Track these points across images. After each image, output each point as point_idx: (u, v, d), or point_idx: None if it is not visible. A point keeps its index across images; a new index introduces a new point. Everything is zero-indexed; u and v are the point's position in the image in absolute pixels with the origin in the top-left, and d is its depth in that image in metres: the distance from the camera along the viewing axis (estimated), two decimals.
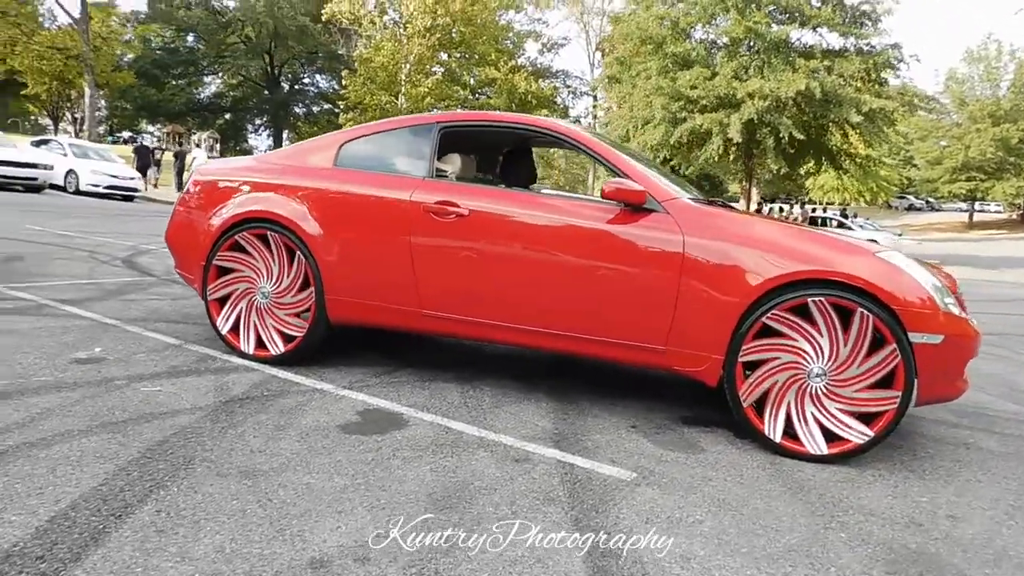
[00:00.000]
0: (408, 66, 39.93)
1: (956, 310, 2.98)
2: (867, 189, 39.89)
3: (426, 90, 39.98)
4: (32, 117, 56.52)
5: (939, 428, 3.69)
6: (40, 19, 41.30)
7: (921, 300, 2.88)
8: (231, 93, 62.83)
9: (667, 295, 3.11)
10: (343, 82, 40.80)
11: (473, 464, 2.65)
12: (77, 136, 38.05)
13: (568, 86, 53.07)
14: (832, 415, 2.97)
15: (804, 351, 2.98)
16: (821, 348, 2.96)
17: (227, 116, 64.18)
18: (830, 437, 2.97)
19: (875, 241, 25.17)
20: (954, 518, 2.54)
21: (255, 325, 3.75)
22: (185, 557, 1.84)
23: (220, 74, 60.97)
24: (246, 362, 3.70)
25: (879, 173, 37.54)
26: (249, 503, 2.17)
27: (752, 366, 3.06)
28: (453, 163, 3.71)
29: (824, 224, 26.47)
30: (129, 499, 2.11)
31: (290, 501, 2.21)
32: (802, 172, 30.12)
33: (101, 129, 55.22)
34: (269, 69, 59.93)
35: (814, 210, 29.46)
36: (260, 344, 3.73)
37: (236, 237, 3.71)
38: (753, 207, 27.46)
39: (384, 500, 2.28)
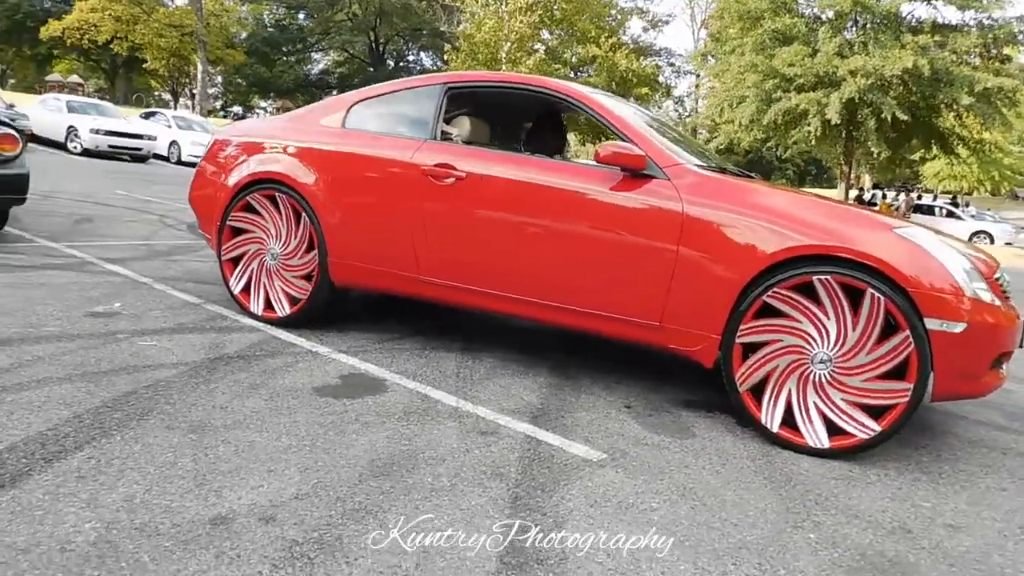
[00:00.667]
0: (509, 44, 39.94)
1: (987, 296, 2.63)
2: (988, 177, 36.83)
3: (527, 69, 39.91)
4: (156, 92, 60.32)
5: (980, 429, 3.31)
6: None
7: (941, 283, 2.56)
8: (337, 70, 64.71)
9: (663, 267, 2.90)
10: (445, 58, 41.36)
11: (434, 434, 2.56)
12: (193, 110, 40.33)
13: (672, 64, 51.68)
14: (837, 406, 2.69)
15: (808, 334, 2.71)
16: (827, 332, 2.69)
17: (334, 93, 66.24)
18: (833, 430, 2.70)
19: (985, 233, 23.23)
20: (953, 527, 2.25)
21: (264, 286, 3.79)
22: (92, 504, 1.85)
23: (327, 51, 62.98)
24: (254, 323, 3.75)
25: (1002, 160, 34.58)
26: (183, 456, 2.17)
27: (752, 348, 2.82)
28: (462, 126, 3.60)
29: (931, 212, 24.62)
30: (68, 445, 2.15)
31: (225, 457, 2.19)
32: (916, 157, 28.13)
33: (218, 104, 58.32)
34: (374, 46, 61.33)
35: (919, 197, 27.38)
36: (268, 305, 3.77)
37: (248, 198, 3.74)
38: (855, 194, 25.91)
39: (322, 463, 2.23)
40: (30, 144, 16.82)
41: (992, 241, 23.17)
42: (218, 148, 4.01)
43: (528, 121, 4.39)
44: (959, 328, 2.53)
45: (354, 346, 3.54)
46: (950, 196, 32.94)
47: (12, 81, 57.09)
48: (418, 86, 3.61)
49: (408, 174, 3.37)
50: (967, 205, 29.45)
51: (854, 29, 19.20)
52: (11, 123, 5.03)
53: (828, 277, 2.65)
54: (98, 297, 3.94)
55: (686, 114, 47.25)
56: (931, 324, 2.54)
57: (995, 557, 2.08)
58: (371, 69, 61.28)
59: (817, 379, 2.71)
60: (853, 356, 2.65)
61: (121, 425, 2.34)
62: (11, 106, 17.77)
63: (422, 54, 64.66)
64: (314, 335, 3.64)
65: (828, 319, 2.68)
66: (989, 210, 30.36)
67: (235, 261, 3.86)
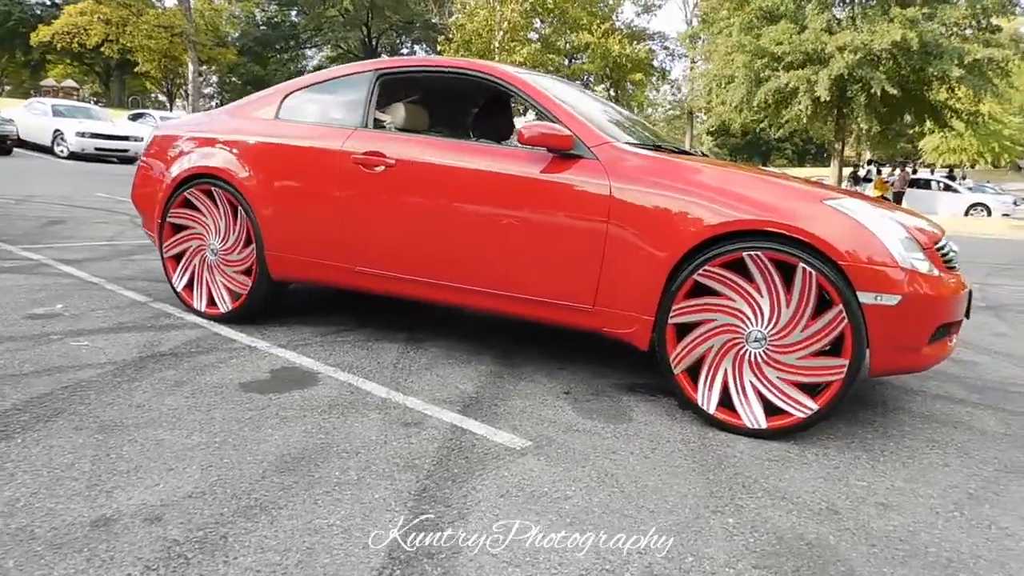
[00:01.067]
0: (502, 33, 39.71)
1: (925, 266, 2.54)
2: (987, 149, 36.42)
3: (521, 59, 39.68)
4: (152, 94, 60.23)
5: (936, 403, 3.23)
6: None
7: (874, 255, 2.47)
8: (331, 66, 64.47)
9: (593, 249, 2.82)
10: (438, 50, 41.15)
11: (355, 426, 2.50)
12: (193, 111, 40.21)
13: (666, 48, 51.29)
14: (773, 385, 2.61)
15: (742, 312, 2.63)
16: (760, 309, 2.61)
17: None
18: (771, 410, 2.63)
19: (982, 205, 22.97)
20: (884, 506, 2.17)
21: (207, 282, 3.72)
22: None
23: (320, 47, 62.74)
24: (198, 320, 3.69)
25: (1001, 132, 34.19)
26: (83, 458, 2.10)
27: (687, 329, 2.74)
28: (396, 113, 3.51)
29: (928, 187, 24.36)
30: None
31: (128, 457, 2.13)
32: (913, 132, 27.83)
33: (214, 104, 58.16)
34: (367, 40, 61.07)
35: (915, 171, 27.06)
36: (211, 302, 3.70)
37: (186, 194, 3.67)
38: (849, 171, 25.67)
39: (228, 460, 2.16)
40: (16, 149, 16.83)
41: (989, 213, 22.94)
42: (157, 145, 3.93)
43: (476, 107, 4.30)
44: (894, 301, 2.45)
45: (295, 340, 3.47)
46: (947, 170, 32.59)
47: (8, 87, 57.09)
48: (350, 74, 3.52)
49: (339, 163, 3.28)
50: (964, 178, 29.13)
51: (842, 4, 18.97)
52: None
53: (758, 253, 2.56)
54: (42, 299, 3.88)
55: (683, 97, 46.87)
56: (865, 298, 2.46)
57: (922, 535, 2.00)
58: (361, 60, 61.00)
59: (752, 358, 2.63)
60: (788, 333, 2.57)
61: (26, 427, 2.28)
62: None
63: (416, 47, 64.43)
64: (257, 330, 3.58)
65: (761, 296, 2.60)
66: (989, 182, 30.03)
67: (177, 258, 3.79)
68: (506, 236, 2.97)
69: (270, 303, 3.68)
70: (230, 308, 3.63)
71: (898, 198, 21.59)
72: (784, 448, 2.57)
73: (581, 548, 1.82)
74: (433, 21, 53.79)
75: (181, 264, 3.78)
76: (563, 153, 2.90)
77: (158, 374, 2.86)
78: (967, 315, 2.83)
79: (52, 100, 19.79)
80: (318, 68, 65.29)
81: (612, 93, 48.74)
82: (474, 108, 4.27)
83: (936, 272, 2.59)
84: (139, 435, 2.29)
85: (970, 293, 2.87)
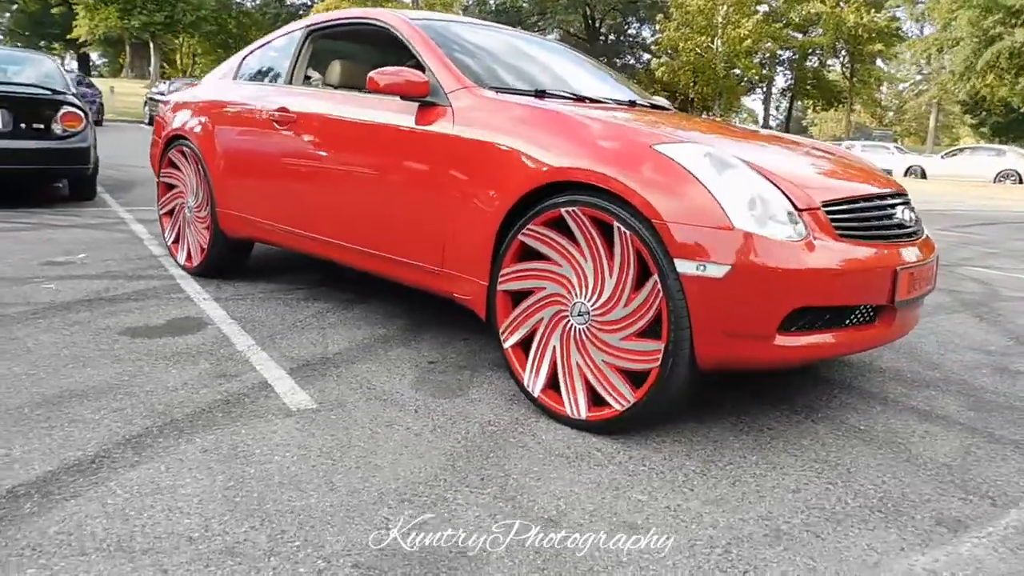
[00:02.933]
0: (726, 7, 37.75)
1: (784, 231, 1.96)
2: None
3: (746, 32, 37.43)
4: None
5: (890, 414, 2.50)
6: None
7: (700, 213, 1.96)
8: None
9: (437, 204, 2.56)
10: (659, 28, 40.33)
11: (170, 372, 2.52)
12: None
13: (913, 15, 45.24)
14: (598, 370, 2.19)
15: (569, 281, 2.24)
16: (585, 277, 2.20)
17: None
18: (597, 399, 2.21)
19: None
20: (630, 527, 1.73)
21: (186, 237, 3.97)
22: None
23: (544, 31, 64.27)
24: (177, 271, 3.96)
25: None
26: None
27: (521, 298, 2.39)
28: (332, 71, 3.45)
29: None
30: None
31: None
32: None
33: None
34: (590, 22, 61.41)
35: None
36: (188, 255, 3.96)
37: (169, 154, 3.95)
38: None
39: (14, 385, 2.29)
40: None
41: None
42: (161, 112, 4.27)
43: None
44: (720, 272, 1.92)
45: (235, 295, 3.58)
46: None
47: None
48: (288, 32, 3.54)
49: (261, 121, 3.32)
50: None
51: None
52: (76, 102, 5.78)
53: (576, 209, 2.15)
54: (77, 249, 4.41)
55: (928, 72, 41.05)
56: (683, 267, 1.96)
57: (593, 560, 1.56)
58: (587, 45, 61.30)
59: (578, 336, 2.22)
60: (612, 308, 2.14)
61: None
62: (88, 84, 19.79)
63: (639, 26, 63.47)
64: (215, 284, 3.75)
65: (585, 262, 2.19)
66: None
67: (170, 214, 4.10)
68: (370, 190, 2.80)
69: (233, 259, 3.83)
70: (198, 262, 3.85)
71: None
72: (594, 445, 2.15)
73: (213, 518, 1.67)
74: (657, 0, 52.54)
75: (171, 220, 4.07)
76: (423, 101, 2.66)
77: (71, 315, 3.11)
78: (894, 300, 2.14)
79: None
80: None
81: (848, 68, 44.18)
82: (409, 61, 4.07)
83: (805, 238, 1.98)
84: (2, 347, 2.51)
85: (915, 273, 2.18)
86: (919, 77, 49.05)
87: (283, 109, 3.20)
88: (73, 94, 5.91)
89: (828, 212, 2.08)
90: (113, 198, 6.77)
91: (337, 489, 1.82)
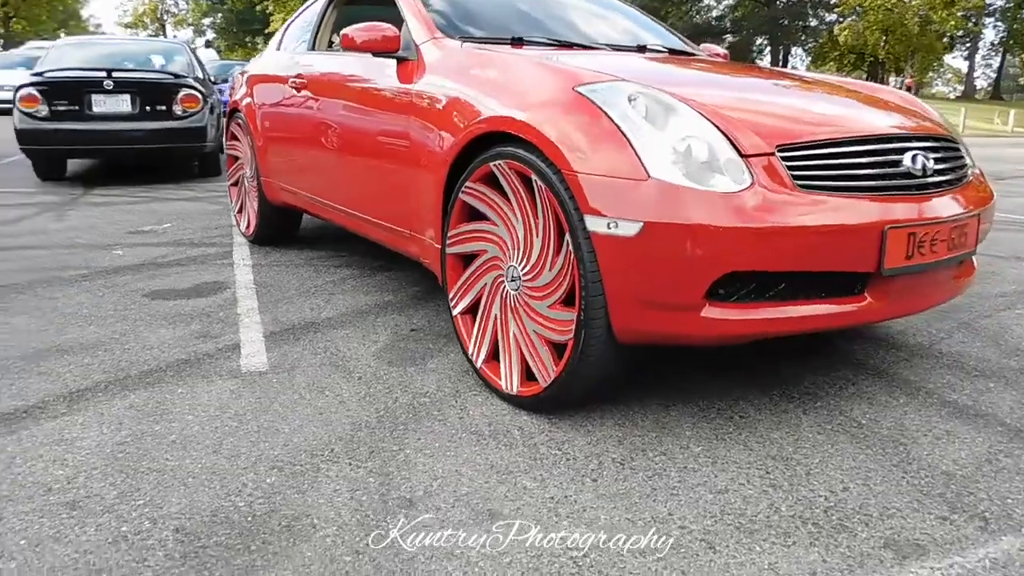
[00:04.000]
0: None
1: (722, 182, 1.64)
2: None
3: None
4: None
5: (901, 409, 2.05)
6: None
7: (613, 162, 1.68)
8: (731, 15, 62.37)
9: (404, 164, 2.44)
10: None
11: (159, 332, 2.63)
12: None
13: None
14: (530, 341, 1.99)
15: (505, 243, 2.04)
16: (517, 239, 1.99)
17: (728, 38, 64.04)
18: (530, 373, 2.01)
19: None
20: (409, 514, 1.54)
21: (247, 207, 4.16)
22: None
23: None
24: (241, 240, 4.17)
25: None
26: None
27: (470, 262, 2.22)
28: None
29: None
30: None
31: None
32: None
33: None
34: None
35: None
36: (249, 224, 4.14)
37: (231, 127, 4.14)
38: None
39: (20, 337, 2.50)
40: None
41: None
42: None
43: None
44: (632, 230, 1.65)
45: (277, 261, 3.69)
46: None
47: None
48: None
49: (285, 88, 3.36)
50: None
51: None
52: (195, 85, 6.25)
53: (503, 163, 1.95)
54: (168, 219, 4.77)
55: None
56: (593, 224, 1.70)
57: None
58: (766, 8, 57.31)
59: (514, 303, 2.03)
60: (539, 272, 1.92)
61: None
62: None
63: None
64: (263, 251, 3.91)
65: (517, 222, 1.98)
66: None
67: (236, 185, 4.31)
68: (359, 153, 2.75)
69: (282, 226, 3.94)
70: (253, 230, 4.01)
71: None
72: (519, 424, 1.95)
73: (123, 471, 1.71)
74: None
75: (236, 191, 4.28)
76: (398, 57, 2.54)
77: (115, 278, 3.35)
78: (880, 268, 1.73)
79: None
80: (720, 17, 63.84)
81: None
82: None
83: (744, 189, 1.64)
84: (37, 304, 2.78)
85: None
86: None
87: (300, 75, 3.21)
88: (195, 78, 6.40)
89: (786, 158, 1.71)
90: None
91: (220, 452, 1.79)
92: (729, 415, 2.01)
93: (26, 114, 5.72)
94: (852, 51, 36.32)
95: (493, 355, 2.13)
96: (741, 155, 1.68)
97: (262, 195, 3.78)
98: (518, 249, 1.98)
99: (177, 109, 6.07)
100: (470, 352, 2.19)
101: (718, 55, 3.29)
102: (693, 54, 2.97)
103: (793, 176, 1.69)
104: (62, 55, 6.48)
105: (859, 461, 1.77)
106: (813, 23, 57.60)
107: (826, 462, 1.76)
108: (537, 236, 1.90)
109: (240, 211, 4.25)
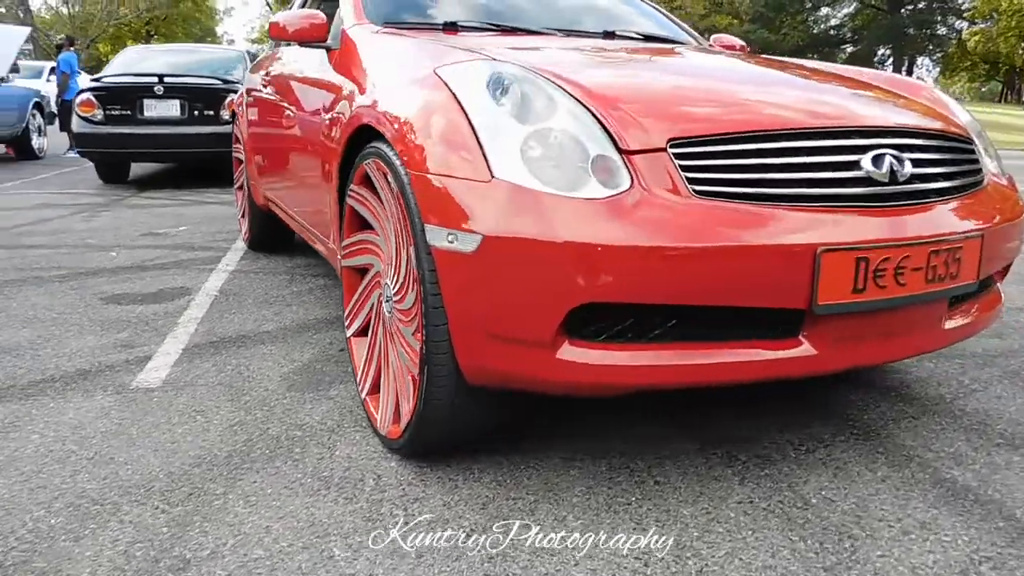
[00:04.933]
0: None
1: (579, 183, 1.27)
2: None
3: None
4: None
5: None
6: None
7: (455, 159, 1.36)
8: (850, 24, 59.26)
9: (316, 165, 2.19)
10: None
11: (85, 340, 2.50)
12: None
13: None
14: (400, 372, 1.67)
15: (384, 255, 1.75)
16: (390, 251, 1.68)
17: (848, 48, 60.82)
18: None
19: None
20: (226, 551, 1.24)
21: (247, 212, 4.04)
22: None
23: (834, 5, 58.02)
24: (241, 244, 4.07)
25: None
26: None
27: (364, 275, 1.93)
28: None
29: None
30: None
31: None
32: None
33: None
34: None
35: None
36: (247, 229, 4.01)
37: (234, 130, 4.04)
38: None
39: None
40: None
41: None
42: None
43: None
44: (471, 244, 1.31)
45: (260, 268, 3.55)
46: None
47: None
48: None
49: (259, 87, 3.20)
50: None
51: None
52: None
53: (372, 162, 1.65)
54: (182, 222, 4.76)
55: None
56: (433, 236, 1.38)
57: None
58: (888, 16, 53.85)
59: (390, 327, 1.72)
60: (405, 292, 1.60)
61: None
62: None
63: None
64: (254, 256, 3.79)
65: (390, 232, 1.68)
66: None
67: (241, 188, 4.20)
68: (294, 154, 2.52)
69: (273, 232, 3.79)
70: (249, 236, 3.89)
71: None
72: (387, 468, 1.64)
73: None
74: None
75: (241, 195, 4.18)
76: (327, 47, 2.30)
77: (87, 280, 3.28)
78: (885, 303, 1.31)
79: None
80: (838, 27, 60.66)
81: None
82: None
83: (617, 194, 1.27)
84: None
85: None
86: None
87: (267, 72, 3.05)
88: None
89: (680, 155, 1.32)
90: None
91: (31, 481, 1.58)
92: (641, 478, 1.62)
93: (84, 119, 5.93)
94: (985, 59, 33.41)
95: (377, 386, 1.83)
96: (620, 151, 1.31)
97: (251, 199, 3.64)
98: (391, 264, 1.67)
99: (224, 114, 6.13)
100: (358, 380, 1.90)
101: (733, 47, 2.87)
102: (680, 43, 2.56)
103: (688, 179, 1.30)
104: (126, 61, 6.71)
105: (778, 559, 1.34)
106: (941, 31, 53.57)
107: (733, 557, 1.35)
108: (404, 249, 1.59)
109: (243, 216, 4.15)
